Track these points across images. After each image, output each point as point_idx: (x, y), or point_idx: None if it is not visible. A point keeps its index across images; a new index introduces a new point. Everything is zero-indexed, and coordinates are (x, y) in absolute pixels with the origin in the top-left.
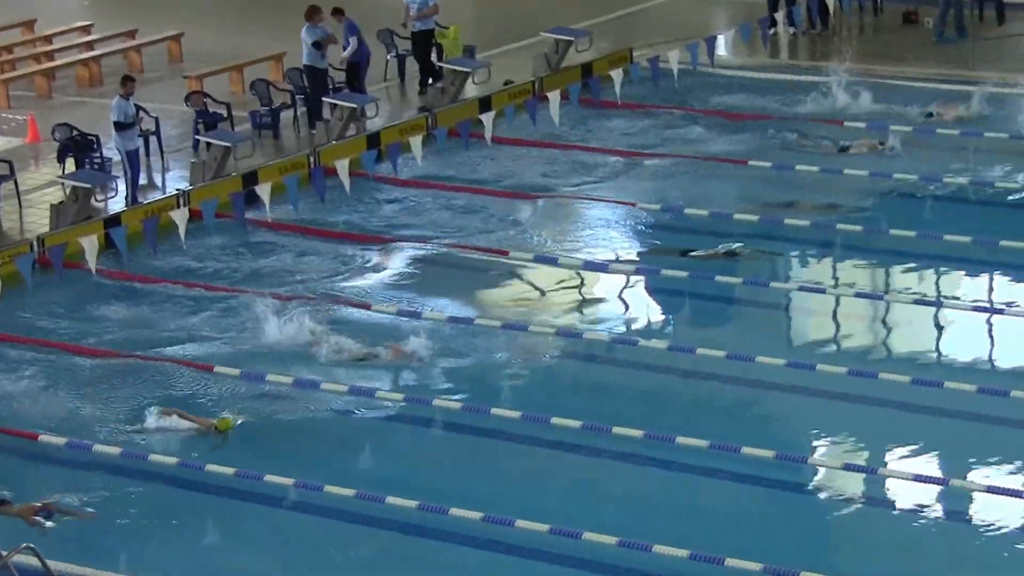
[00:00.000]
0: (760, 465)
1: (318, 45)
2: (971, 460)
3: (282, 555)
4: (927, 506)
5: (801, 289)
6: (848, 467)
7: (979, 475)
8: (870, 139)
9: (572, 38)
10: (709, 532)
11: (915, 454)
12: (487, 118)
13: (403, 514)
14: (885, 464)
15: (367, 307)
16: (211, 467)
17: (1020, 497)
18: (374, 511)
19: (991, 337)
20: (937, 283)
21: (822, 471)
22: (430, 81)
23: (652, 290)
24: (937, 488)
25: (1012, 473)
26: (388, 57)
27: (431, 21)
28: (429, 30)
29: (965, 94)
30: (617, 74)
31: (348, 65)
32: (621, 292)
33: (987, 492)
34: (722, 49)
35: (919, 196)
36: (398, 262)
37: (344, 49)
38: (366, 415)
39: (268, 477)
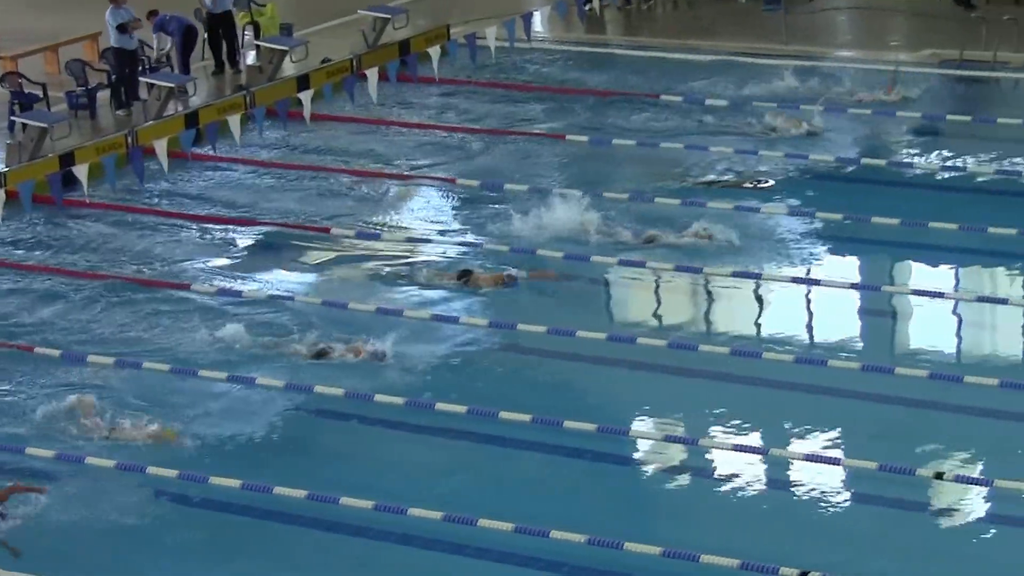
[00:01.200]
0: (582, 438)
1: (123, 28)
2: (790, 428)
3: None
4: (749, 475)
5: (621, 264)
6: (670, 439)
7: (799, 443)
8: (798, 119)
9: (389, 15)
10: (533, 504)
11: (734, 425)
12: (305, 96)
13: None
14: (707, 435)
15: (186, 287)
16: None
17: (836, 464)
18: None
19: (810, 309)
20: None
21: (644, 443)
22: (229, 65)
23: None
24: (758, 457)
25: (830, 442)
26: (204, 36)
27: (226, 2)
28: (221, 12)
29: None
30: (435, 51)
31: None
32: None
33: (806, 460)
34: (539, 25)
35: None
36: (218, 242)
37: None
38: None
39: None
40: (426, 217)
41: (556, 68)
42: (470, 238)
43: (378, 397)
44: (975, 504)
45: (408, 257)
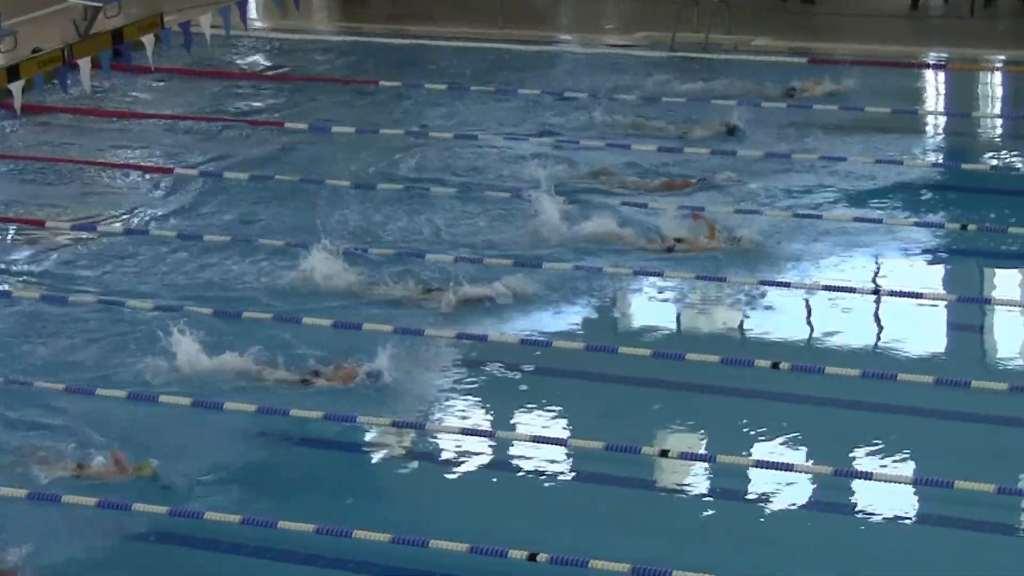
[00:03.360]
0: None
1: None
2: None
3: None
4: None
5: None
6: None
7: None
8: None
9: (100, 4)
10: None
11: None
12: (16, 87)
13: None
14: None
15: None
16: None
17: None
18: None
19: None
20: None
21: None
22: None
23: (196, 254)
24: (484, 440)
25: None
26: None
27: None
28: None
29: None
30: (149, 39)
31: None
32: (164, 258)
33: (540, 444)
34: (254, 13)
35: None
36: None
37: None
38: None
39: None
40: (146, 205)
41: (271, 55)
42: (187, 227)
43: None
44: None
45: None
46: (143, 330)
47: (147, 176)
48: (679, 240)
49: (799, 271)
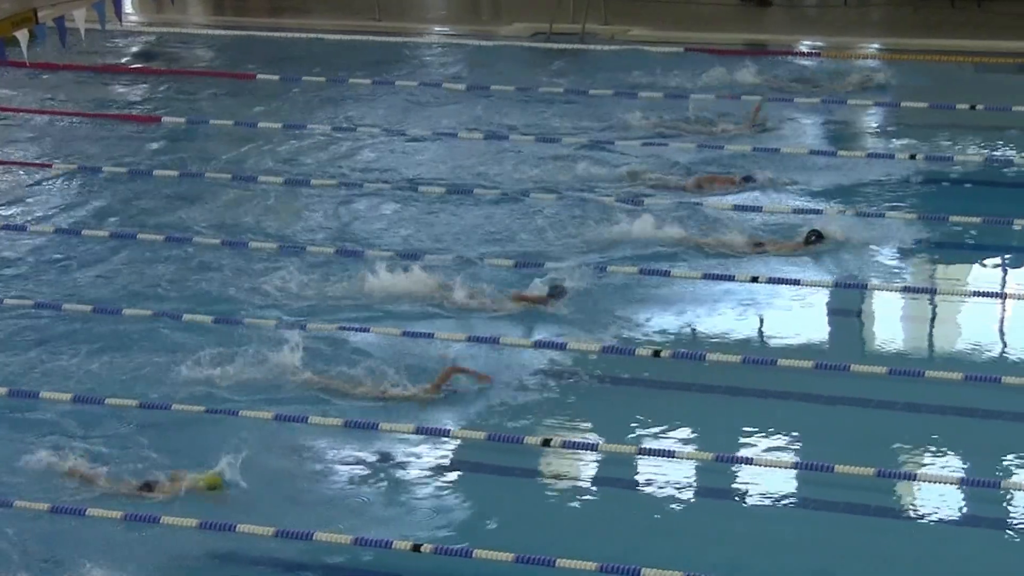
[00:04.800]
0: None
1: None
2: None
3: None
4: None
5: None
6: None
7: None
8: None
9: None
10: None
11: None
12: None
13: None
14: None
15: None
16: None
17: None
18: None
19: None
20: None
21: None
22: None
23: (85, 256)
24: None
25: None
26: None
27: None
28: None
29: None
30: (22, 35)
31: None
32: (42, 254)
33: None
34: (129, 7)
35: None
36: None
37: None
38: None
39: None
40: (24, 201)
41: (148, 49)
42: (64, 224)
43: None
44: None
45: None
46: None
47: (24, 172)
48: (759, 244)
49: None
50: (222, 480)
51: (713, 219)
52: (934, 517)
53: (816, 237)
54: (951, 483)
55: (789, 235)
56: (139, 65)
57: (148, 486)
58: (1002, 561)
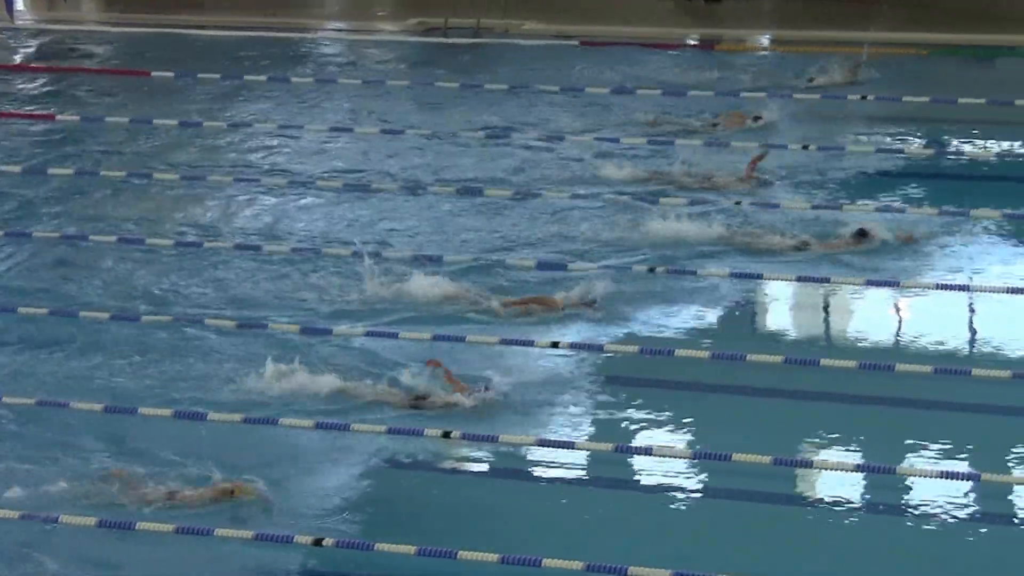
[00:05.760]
0: None
1: None
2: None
3: None
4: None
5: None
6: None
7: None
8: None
9: None
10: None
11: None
12: None
13: None
14: None
15: None
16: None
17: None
18: None
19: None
20: None
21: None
22: None
23: None
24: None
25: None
26: None
27: None
28: None
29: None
30: None
31: None
32: None
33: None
34: (21, 4)
35: None
36: None
37: None
38: None
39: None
40: None
41: (40, 47)
42: None
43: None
44: None
45: None
46: None
47: None
48: (806, 242)
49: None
50: (254, 487)
51: (752, 219)
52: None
53: (862, 235)
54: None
55: (832, 234)
56: (32, 63)
57: (172, 495)
58: None
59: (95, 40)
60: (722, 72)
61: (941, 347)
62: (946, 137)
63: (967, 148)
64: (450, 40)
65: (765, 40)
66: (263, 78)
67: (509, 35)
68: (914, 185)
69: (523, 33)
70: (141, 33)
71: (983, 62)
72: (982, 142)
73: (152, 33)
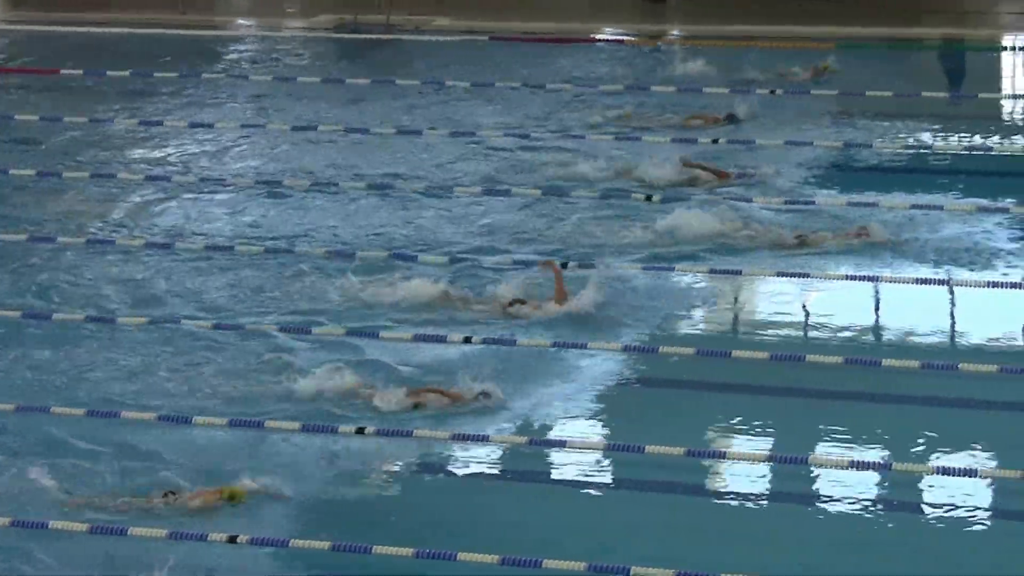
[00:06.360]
0: None
1: None
2: None
3: None
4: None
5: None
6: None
7: None
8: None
9: None
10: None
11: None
12: None
13: None
14: None
15: None
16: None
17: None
18: None
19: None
20: None
21: None
22: None
23: None
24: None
25: None
26: None
27: None
28: None
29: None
30: None
31: None
32: None
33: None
34: None
35: None
36: None
37: None
38: None
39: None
40: None
41: None
42: None
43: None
44: None
45: None
46: None
47: None
48: (801, 237)
49: None
50: (244, 491)
51: (747, 214)
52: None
53: (861, 230)
54: None
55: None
56: None
57: (168, 496)
58: None
59: (1, 38)
60: (631, 67)
61: (851, 337)
62: (853, 130)
63: (876, 140)
64: (361, 36)
65: (673, 35)
66: (174, 75)
67: (419, 31)
68: (823, 178)
69: (433, 29)
70: (49, 31)
71: (892, 55)
72: (891, 134)
73: (60, 31)
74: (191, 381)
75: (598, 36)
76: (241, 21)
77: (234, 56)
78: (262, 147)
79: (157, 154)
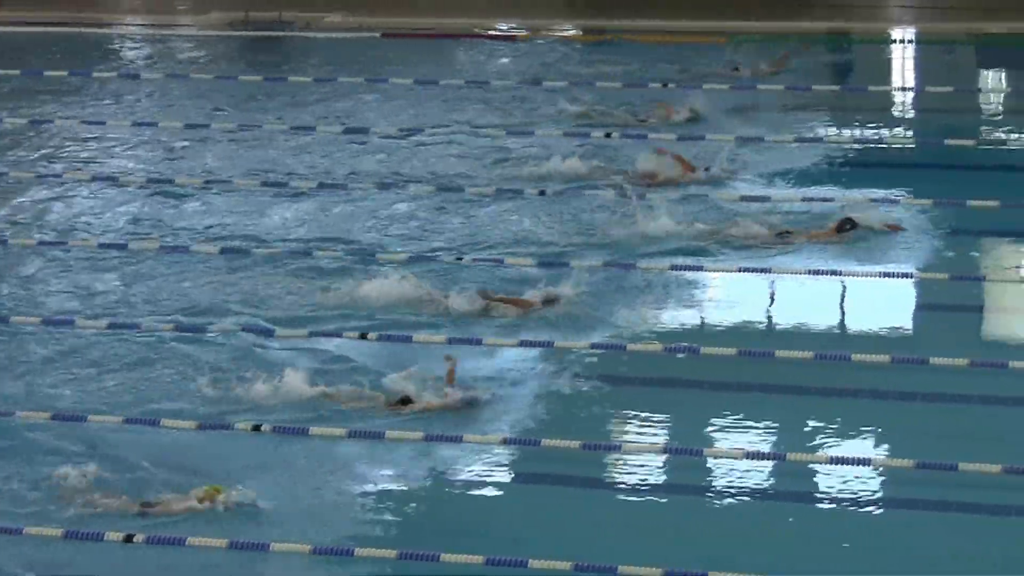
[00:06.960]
0: None
1: None
2: None
3: None
4: None
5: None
6: None
7: None
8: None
9: None
10: None
11: None
12: None
13: None
14: None
15: None
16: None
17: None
18: None
19: None
20: None
21: None
22: None
23: None
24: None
25: None
26: None
27: None
28: None
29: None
30: None
31: None
32: None
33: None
34: None
35: None
36: None
37: None
38: None
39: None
40: None
41: None
42: None
43: None
44: None
45: None
46: None
47: None
48: (787, 232)
49: None
50: (221, 488)
51: (728, 210)
52: None
53: (850, 225)
54: None
55: (813, 223)
56: None
57: (149, 504)
58: None
59: None
60: (525, 63)
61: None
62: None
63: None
64: (253, 33)
65: (571, 31)
66: (64, 73)
67: (311, 28)
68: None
69: (325, 26)
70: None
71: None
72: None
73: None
74: (85, 382)
75: (492, 32)
76: (131, 18)
77: (126, 54)
78: (154, 145)
79: (47, 153)
